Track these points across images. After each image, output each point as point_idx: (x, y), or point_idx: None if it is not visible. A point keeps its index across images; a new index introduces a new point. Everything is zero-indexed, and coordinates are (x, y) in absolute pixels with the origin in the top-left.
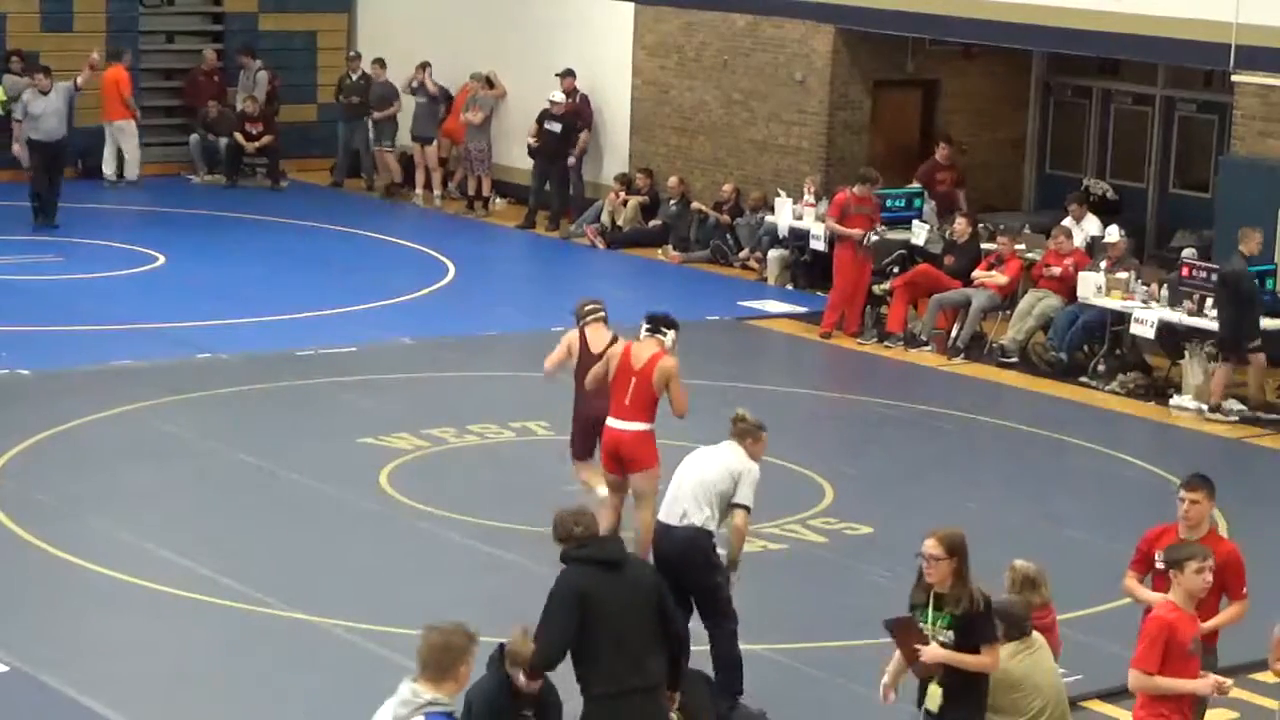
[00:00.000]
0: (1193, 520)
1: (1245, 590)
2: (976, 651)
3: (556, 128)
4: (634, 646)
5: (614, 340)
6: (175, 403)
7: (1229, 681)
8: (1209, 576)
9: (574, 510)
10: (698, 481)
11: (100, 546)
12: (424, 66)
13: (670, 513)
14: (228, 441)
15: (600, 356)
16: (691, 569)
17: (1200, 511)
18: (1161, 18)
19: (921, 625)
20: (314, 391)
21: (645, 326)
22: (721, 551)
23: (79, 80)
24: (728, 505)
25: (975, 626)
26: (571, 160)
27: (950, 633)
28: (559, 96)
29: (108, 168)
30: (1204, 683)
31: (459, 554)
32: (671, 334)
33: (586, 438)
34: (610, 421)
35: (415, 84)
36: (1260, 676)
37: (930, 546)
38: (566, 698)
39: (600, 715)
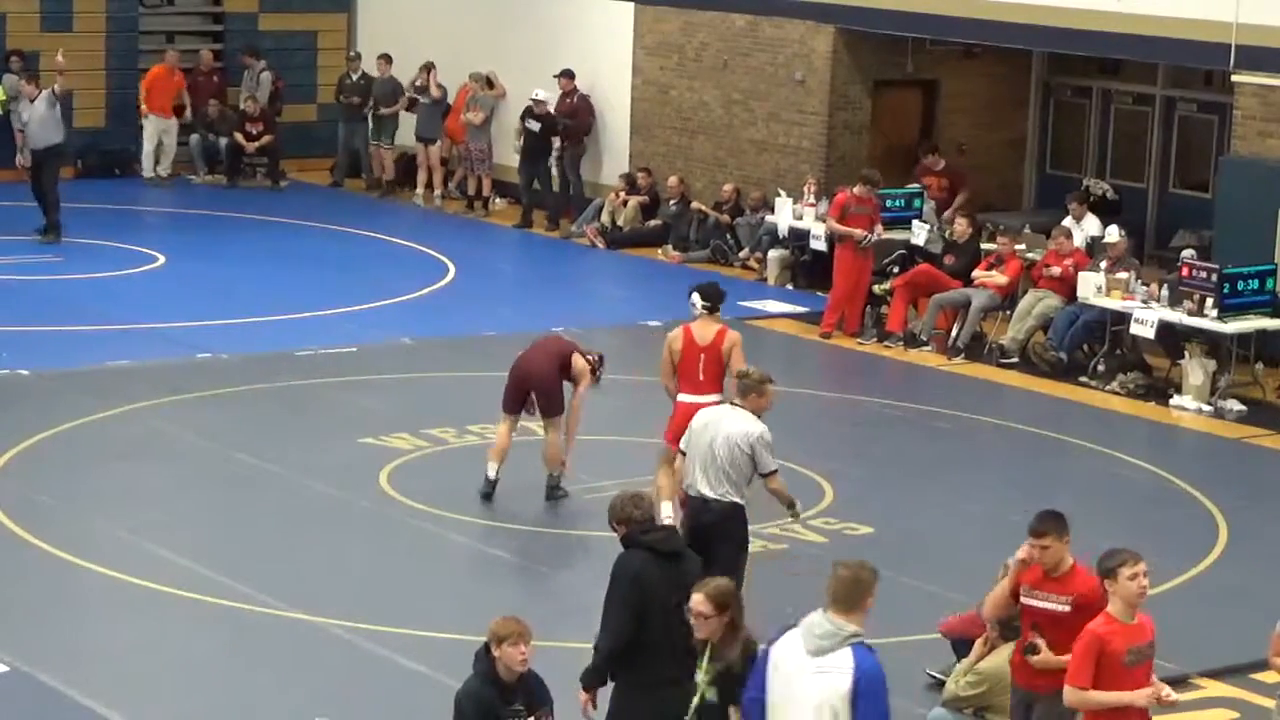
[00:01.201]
0: (1047, 565)
1: None
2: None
3: (536, 126)
4: (675, 639)
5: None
6: (175, 403)
7: (1169, 691)
8: (1144, 581)
9: (632, 494)
10: (728, 460)
11: (100, 546)
12: (429, 68)
13: (703, 488)
14: (228, 441)
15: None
16: (727, 540)
17: (1052, 555)
18: (1161, 18)
19: (697, 674)
20: (314, 391)
21: (702, 304)
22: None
23: (56, 88)
24: (751, 474)
25: (733, 685)
26: (554, 158)
27: (713, 689)
28: (541, 95)
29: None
30: (1140, 694)
31: (459, 554)
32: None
33: (511, 393)
34: (684, 397)
35: (419, 84)
36: (1261, 676)
37: (698, 603)
38: (558, 694)
39: (633, 701)
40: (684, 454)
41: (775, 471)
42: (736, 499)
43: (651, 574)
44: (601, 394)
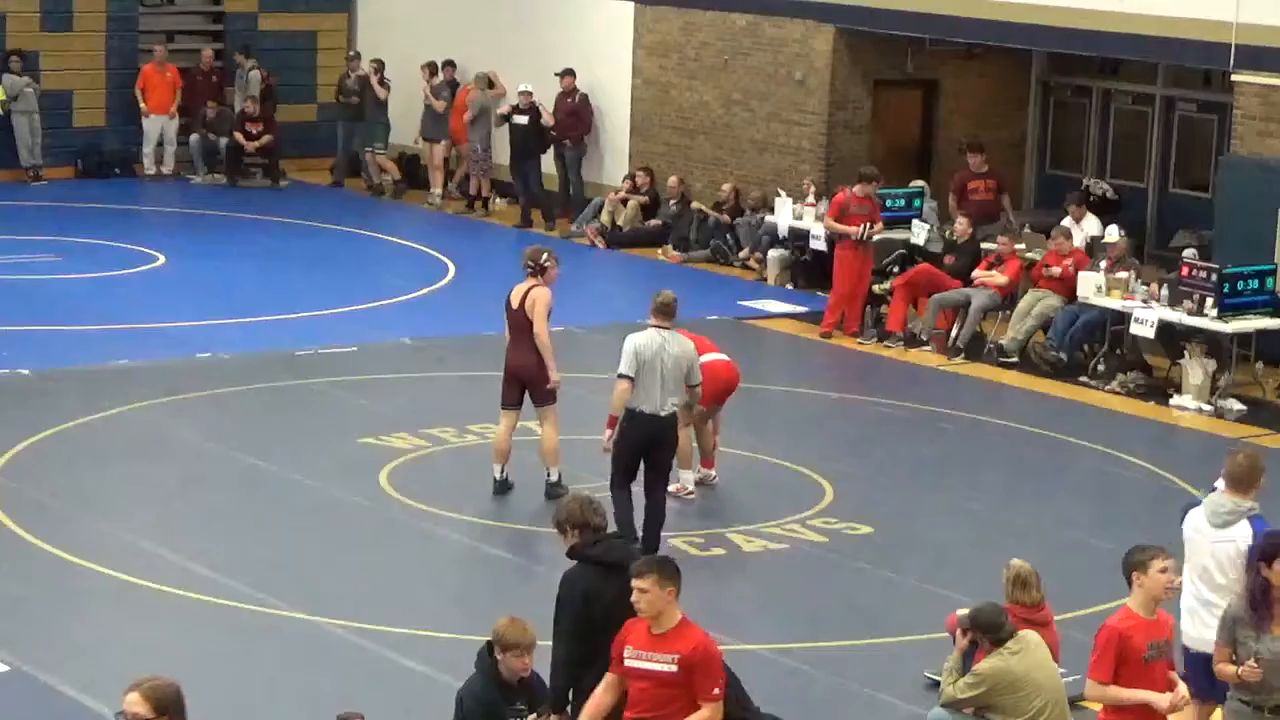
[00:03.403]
0: (646, 611)
1: (718, 692)
2: None
3: (523, 120)
4: None
5: (530, 290)
6: (175, 403)
7: (1186, 694)
8: (1173, 577)
9: (585, 499)
10: (674, 377)
11: (100, 546)
12: (432, 68)
13: (660, 405)
14: (228, 441)
15: (517, 310)
16: (670, 447)
17: (651, 603)
18: (1161, 18)
19: None
20: (314, 391)
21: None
22: None
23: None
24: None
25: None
26: (553, 156)
27: None
28: (526, 86)
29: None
30: (1162, 697)
31: (459, 554)
32: None
33: (509, 387)
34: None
35: (433, 86)
36: None
37: (132, 703)
38: None
39: None
40: (628, 379)
41: (700, 384)
42: (677, 406)
43: (603, 589)
44: (601, 393)
